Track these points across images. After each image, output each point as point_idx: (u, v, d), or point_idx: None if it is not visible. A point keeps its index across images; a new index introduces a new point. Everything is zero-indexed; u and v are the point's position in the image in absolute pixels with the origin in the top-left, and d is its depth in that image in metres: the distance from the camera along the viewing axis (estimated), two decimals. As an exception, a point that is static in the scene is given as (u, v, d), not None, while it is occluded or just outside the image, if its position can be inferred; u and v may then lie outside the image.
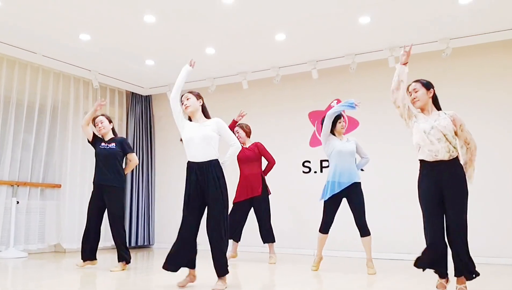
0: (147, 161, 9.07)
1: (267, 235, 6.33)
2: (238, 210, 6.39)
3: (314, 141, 7.75)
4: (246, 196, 6.33)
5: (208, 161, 4.09)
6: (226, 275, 4.09)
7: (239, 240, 6.51)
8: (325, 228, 5.32)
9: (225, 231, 4.08)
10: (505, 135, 6.34)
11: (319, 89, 7.77)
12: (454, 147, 3.62)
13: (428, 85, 3.81)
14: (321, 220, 5.37)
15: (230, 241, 6.22)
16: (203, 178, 4.07)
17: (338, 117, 5.43)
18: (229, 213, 6.26)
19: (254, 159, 6.40)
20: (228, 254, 6.35)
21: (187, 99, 4.30)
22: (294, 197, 7.68)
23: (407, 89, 3.85)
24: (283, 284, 4.73)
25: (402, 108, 3.82)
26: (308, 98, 7.88)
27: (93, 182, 5.62)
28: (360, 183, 5.29)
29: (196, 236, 4.19)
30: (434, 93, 3.83)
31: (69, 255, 7.26)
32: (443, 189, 3.63)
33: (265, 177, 6.49)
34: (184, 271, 4.28)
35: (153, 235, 9.00)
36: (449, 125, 3.63)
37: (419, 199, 3.78)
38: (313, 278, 4.99)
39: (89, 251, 5.57)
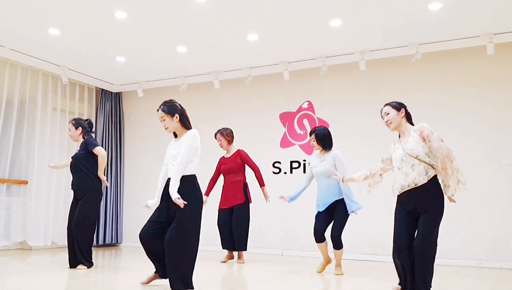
0: (116, 158, 8.98)
1: (242, 243, 6.30)
2: (223, 218, 6.39)
3: (285, 142, 7.81)
4: (229, 205, 6.35)
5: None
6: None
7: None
8: (317, 238, 5.33)
9: (186, 249, 3.88)
10: (471, 139, 6.50)
11: (290, 91, 7.83)
12: (430, 164, 3.57)
13: (398, 106, 3.83)
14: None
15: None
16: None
17: (310, 133, 5.52)
18: (217, 220, 6.38)
19: (237, 170, 6.42)
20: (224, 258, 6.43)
21: (163, 119, 4.07)
22: (262, 197, 7.71)
23: (381, 113, 3.93)
24: (253, 283, 4.77)
25: (385, 165, 3.99)
26: (279, 99, 7.93)
27: None
28: (342, 199, 5.25)
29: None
30: (406, 112, 3.85)
31: (35, 252, 7.14)
32: (418, 212, 3.65)
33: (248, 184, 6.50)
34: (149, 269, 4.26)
35: (121, 233, 8.91)
36: (417, 145, 3.60)
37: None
38: (281, 278, 5.04)
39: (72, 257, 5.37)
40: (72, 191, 5.58)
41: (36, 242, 7.49)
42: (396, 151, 3.76)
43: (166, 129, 4.10)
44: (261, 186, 6.39)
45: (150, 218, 4.05)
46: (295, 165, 7.69)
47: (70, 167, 5.59)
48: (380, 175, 4.09)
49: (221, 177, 6.58)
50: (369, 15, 5.81)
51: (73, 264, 5.30)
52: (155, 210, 4.08)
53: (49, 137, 7.81)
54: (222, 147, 6.48)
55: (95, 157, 5.50)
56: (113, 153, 8.91)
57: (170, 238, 3.82)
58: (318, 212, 5.36)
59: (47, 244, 7.64)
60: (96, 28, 6.29)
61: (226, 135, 6.47)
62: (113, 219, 8.74)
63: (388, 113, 3.83)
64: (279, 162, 7.81)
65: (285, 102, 7.88)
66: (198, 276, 4.16)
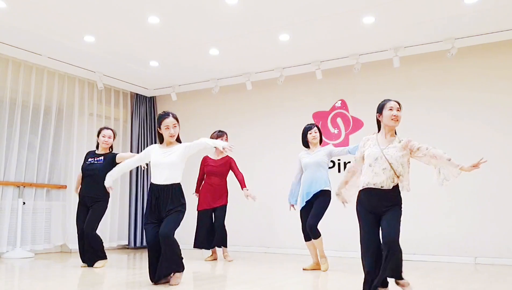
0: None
1: (223, 240, 6.58)
2: (206, 218, 6.59)
3: (319, 142, 7.74)
4: (211, 205, 6.54)
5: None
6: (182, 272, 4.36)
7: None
8: (306, 235, 5.47)
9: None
10: (508, 138, 6.32)
11: (323, 90, 7.77)
12: (397, 175, 3.60)
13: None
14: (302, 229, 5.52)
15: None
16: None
17: (309, 128, 5.67)
18: (199, 220, 6.54)
19: (223, 174, 6.64)
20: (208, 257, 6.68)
21: (174, 126, 4.52)
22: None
23: (384, 106, 3.84)
24: (276, 285, 4.74)
25: (358, 166, 3.89)
26: (312, 99, 7.88)
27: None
28: (328, 191, 5.41)
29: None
30: None
31: (75, 255, 7.28)
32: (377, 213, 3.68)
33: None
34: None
35: (158, 235, 9.01)
36: (397, 153, 3.64)
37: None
38: (310, 277, 5.00)
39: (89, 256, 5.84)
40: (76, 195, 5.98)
41: (76, 245, 7.58)
42: (372, 147, 3.74)
43: (171, 137, 4.46)
44: (242, 188, 6.49)
45: (148, 221, 4.41)
46: (329, 164, 7.60)
47: (86, 175, 5.81)
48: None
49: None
50: (402, 10, 5.70)
51: (90, 263, 5.69)
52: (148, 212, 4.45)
53: (86, 142, 7.96)
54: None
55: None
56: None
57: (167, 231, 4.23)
58: (302, 208, 5.47)
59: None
60: (129, 34, 6.39)
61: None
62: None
63: (399, 110, 3.81)
64: (313, 162, 7.75)
65: (318, 102, 7.83)
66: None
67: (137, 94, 9.18)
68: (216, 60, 7.37)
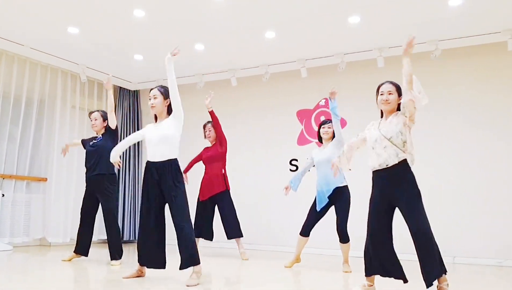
0: (133, 156, 9.03)
1: (233, 230, 6.37)
2: (204, 209, 6.53)
3: (302, 140, 7.78)
4: (210, 194, 6.43)
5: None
6: (199, 267, 4.04)
7: (212, 239, 6.66)
8: (305, 231, 5.39)
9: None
10: (493, 137, 6.42)
11: (307, 88, 7.80)
12: (401, 149, 3.53)
13: (400, 91, 3.71)
14: (303, 222, 5.43)
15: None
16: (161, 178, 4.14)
17: (324, 123, 5.55)
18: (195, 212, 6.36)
19: (216, 159, 6.48)
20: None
21: (154, 97, 4.30)
22: (280, 194, 7.68)
23: (378, 89, 3.80)
24: (260, 281, 4.75)
25: (359, 143, 3.96)
26: (296, 97, 7.90)
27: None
28: (344, 186, 5.29)
29: None
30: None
31: (54, 248, 7.22)
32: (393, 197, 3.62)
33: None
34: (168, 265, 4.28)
35: (139, 230, 8.97)
36: (391, 126, 3.59)
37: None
38: (292, 275, 5.02)
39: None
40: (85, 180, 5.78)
41: (55, 238, 7.57)
42: (371, 131, 3.75)
43: (152, 108, 4.27)
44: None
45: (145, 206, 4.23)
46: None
47: (90, 155, 5.68)
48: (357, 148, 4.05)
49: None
50: (387, 11, 5.76)
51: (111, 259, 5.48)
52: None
53: (68, 135, 7.88)
54: (209, 138, 6.58)
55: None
56: (131, 150, 8.97)
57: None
58: (313, 208, 5.36)
59: (66, 240, 7.72)
60: (114, 27, 6.33)
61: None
62: (131, 216, 8.80)
63: (391, 93, 3.71)
64: (296, 160, 7.79)
65: (302, 100, 7.84)
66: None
67: (120, 87, 9.11)
68: (202, 55, 7.35)
